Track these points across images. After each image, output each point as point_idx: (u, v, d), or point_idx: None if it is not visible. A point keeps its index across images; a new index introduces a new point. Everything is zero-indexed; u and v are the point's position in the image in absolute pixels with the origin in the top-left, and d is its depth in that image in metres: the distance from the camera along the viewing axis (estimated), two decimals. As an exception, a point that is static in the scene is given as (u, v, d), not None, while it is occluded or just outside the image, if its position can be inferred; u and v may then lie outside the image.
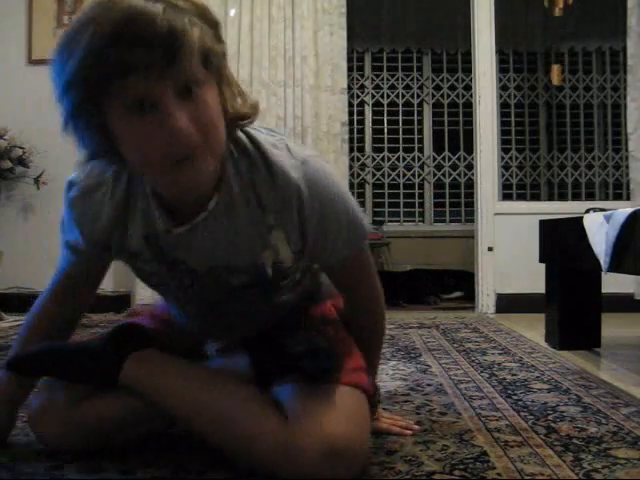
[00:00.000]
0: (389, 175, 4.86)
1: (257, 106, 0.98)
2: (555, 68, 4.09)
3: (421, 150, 4.89)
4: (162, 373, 1.10)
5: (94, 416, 1.11)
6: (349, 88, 4.14)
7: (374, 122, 4.90)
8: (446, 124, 4.88)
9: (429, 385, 1.72)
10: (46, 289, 1.23)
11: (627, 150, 3.92)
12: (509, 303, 3.61)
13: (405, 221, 4.89)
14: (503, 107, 4.61)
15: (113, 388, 1.11)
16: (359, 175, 4.84)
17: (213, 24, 0.89)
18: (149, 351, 1.12)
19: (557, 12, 3.87)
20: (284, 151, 1.01)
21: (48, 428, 1.13)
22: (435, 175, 4.87)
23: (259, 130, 1.04)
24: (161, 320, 1.28)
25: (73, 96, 0.88)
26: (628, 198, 4.20)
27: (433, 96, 4.90)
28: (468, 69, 4.21)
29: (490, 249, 3.68)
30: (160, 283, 1.15)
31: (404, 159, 4.87)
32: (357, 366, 1.11)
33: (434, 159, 4.87)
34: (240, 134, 1.01)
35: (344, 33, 3.76)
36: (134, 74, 0.82)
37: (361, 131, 4.89)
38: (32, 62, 3.67)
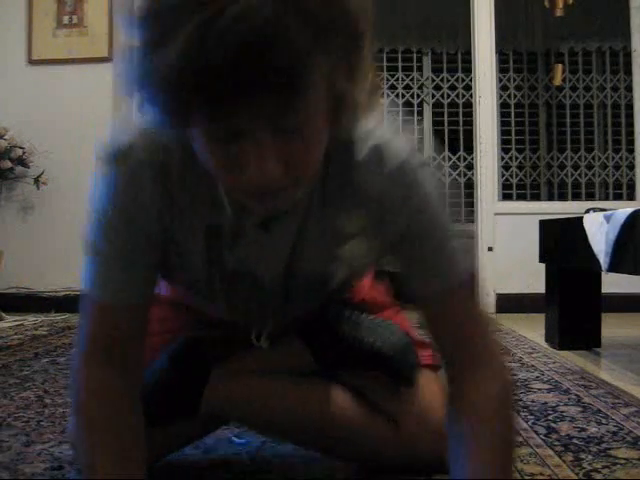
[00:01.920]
0: (389, 175, 4.85)
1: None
2: (558, 68, 4.09)
3: (421, 150, 4.87)
4: (246, 395, 1.03)
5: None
6: (349, 88, 4.13)
7: (374, 122, 4.89)
8: (446, 124, 4.88)
9: (429, 385, 1.72)
10: (77, 360, 0.84)
11: (629, 150, 3.93)
12: (509, 303, 3.61)
13: (405, 221, 4.88)
14: (503, 107, 4.61)
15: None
16: (359, 175, 4.83)
17: (354, 37, 0.64)
18: (220, 373, 1.03)
19: (557, 12, 3.88)
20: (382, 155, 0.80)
21: None
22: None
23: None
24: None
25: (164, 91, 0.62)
26: (628, 198, 4.21)
27: (433, 96, 4.89)
28: (468, 69, 4.21)
29: (490, 249, 3.68)
30: (198, 289, 0.94)
31: (404, 159, 4.86)
32: (419, 339, 1.10)
33: (434, 159, 4.87)
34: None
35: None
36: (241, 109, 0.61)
37: (361, 131, 4.88)
38: (32, 62, 3.66)
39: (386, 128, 0.83)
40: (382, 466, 1.04)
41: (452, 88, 4.87)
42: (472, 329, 0.84)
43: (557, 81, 4.12)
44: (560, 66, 4.10)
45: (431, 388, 1.05)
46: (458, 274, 0.85)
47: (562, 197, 4.66)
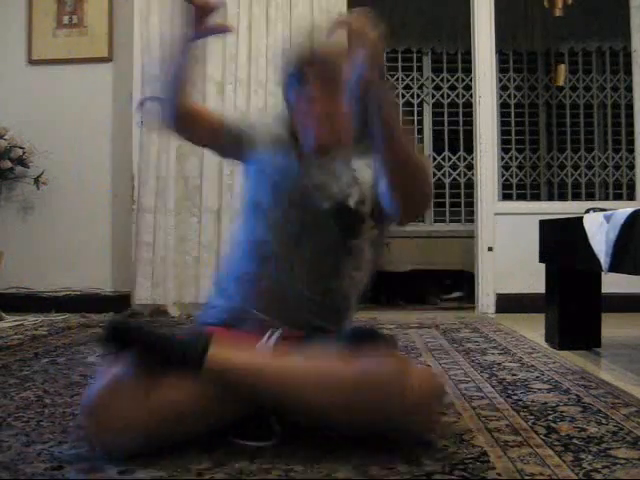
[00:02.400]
0: (389, 175, 4.84)
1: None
2: (561, 68, 4.08)
3: (421, 150, 4.88)
4: (247, 353, 1.22)
5: (170, 401, 1.14)
6: (349, 88, 4.13)
7: (374, 122, 4.88)
8: (446, 124, 4.88)
9: (429, 385, 1.72)
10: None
11: (629, 150, 3.93)
12: (509, 303, 3.61)
13: (405, 221, 4.87)
14: (503, 107, 4.61)
15: (195, 373, 1.15)
16: (359, 175, 4.83)
17: None
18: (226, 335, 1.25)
19: (557, 12, 3.88)
20: None
21: (116, 412, 1.11)
22: (435, 175, 4.87)
23: None
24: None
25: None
26: (628, 198, 4.20)
27: (433, 96, 4.90)
28: (468, 69, 4.21)
29: (490, 249, 3.67)
30: (271, 195, 1.40)
31: (404, 159, 4.85)
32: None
33: (434, 159, 4.87)
34: None
35: (343, 33, 3.75)
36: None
37: (361, 131, 4.88)
38: (32, 62, 3.66)
39: None
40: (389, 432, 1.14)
41: (452, 88, 4.87)
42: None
43: (560, 81, 4.11)
44: (563, 66, 4.10)
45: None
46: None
47: (562, 197, 4.66)
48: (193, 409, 1.15)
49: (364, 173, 1.37)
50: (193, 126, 1.46)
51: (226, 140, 1.47)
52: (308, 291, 1.35)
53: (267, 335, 1.29)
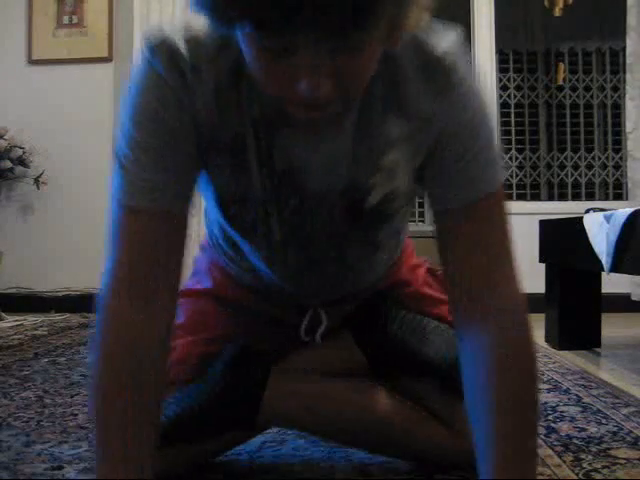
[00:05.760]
0: (389, 175, 4.85)
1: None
2: (560, 67, 4.08)
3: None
4: (306, 403, 1.01)
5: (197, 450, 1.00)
6: (349, 88, 4.13)
7: (374, 122, 4.89)
8: (446, 124, 4.88)
9: (429, 385, 1.72)
10: (102, 295, 0.78)
11: (627, 149, 3.92)
12: (509, 303, 3.60)
13: (405, 221, 4.88)
14: (503, 107, 4.61)
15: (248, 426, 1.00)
16: (359, 175, 4.84)
17: None
18: (277, 380, 1.00)
19: (557, 12, 3.88)
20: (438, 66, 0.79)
21: None
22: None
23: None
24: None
25: None
26: (628, 198, 4.20)
27: (433, 96, 4.90)
28: (468, 69, 4.21)
29: (490, 249, 3.67)
30: (251, 211, 0.86)
31: (404, 159, 4.86)
32: None
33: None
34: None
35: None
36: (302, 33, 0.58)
37: (361, 131, 4.88)
38: (32, 62, 3.66)
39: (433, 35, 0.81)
40: (434, 463, 1.06)
41: (452, 88, 4.87)
42: (494, 258, 0.79)
43: (559, 80, 4.12)
44: (562, 65, 4.10)
45: None
46: (490, 184, 0.81)
47: (562, 197, 4.66)
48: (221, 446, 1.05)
49: (397, 155, 0.82)
50: None
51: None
52: (338, 285, 1.01)
53: (306, 320, 1.04)
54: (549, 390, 1.65)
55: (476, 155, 0.78)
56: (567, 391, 1.64)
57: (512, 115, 4.73)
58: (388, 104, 0.79)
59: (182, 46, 0.74)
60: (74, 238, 3.58)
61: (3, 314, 3.16)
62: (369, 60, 0.65)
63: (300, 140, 0.80)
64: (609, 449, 1.17)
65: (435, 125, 0.78)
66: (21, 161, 3.42)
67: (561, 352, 2.26)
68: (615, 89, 4.68)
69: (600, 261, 1.89)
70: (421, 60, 0.77)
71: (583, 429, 1.30)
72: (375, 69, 0.68)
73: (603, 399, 1.55)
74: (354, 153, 0.81)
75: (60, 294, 3.57)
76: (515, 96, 4.74)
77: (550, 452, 1.16)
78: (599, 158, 4.66)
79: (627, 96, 3.76)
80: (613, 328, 2.63)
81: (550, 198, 4.71)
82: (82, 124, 3.60)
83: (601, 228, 1.89)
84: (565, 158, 4.70)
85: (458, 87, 0.78)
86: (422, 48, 0.78)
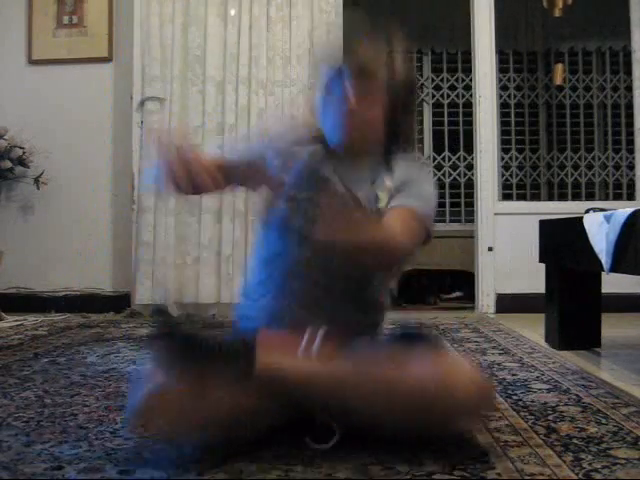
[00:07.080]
0: (389, 175, 4.84)
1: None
2: (558, 67, 4.08)
3: (421, 150, 4.88)
4: (296, 359, 1.18)
5: (226, 406, 1.13)
6: (349, 88, 4.12)
7: (374, 122, 4.88)
8: (446, 124, 4.88)
9: (429, 385, 1.72)
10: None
11: (629, 150, 3.92)
12: (509, 303, 3.61)
13: (405, 221, 4.87)
14: (503, 107, 4.61)
15: (247, 379, 1.14)
16: (359, 175, 4.83)
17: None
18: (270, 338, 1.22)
19: (557, 12, 3.88)
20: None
21: (165, 415, 1.13)
22: (435, 175, 4.87)
23: None
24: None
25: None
26: (628, 198, 4.20)
27: (433, 96, 4.90)
28: (468, 69, 4.21)
29: (490, 249, 3.67)
30: (292, 209, 1.33)
31: (404, 159, 4.85)
32: None
33: (434, 159, 4.87)
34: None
35: (341, 33, 3.75)
36: None
37: (361, 131, 4.87)
38: (32, 62, 3.66)
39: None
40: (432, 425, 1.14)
41: (452, 88, 4.87)
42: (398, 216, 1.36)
43: (558, 81, 4.12)
44: (561, 66, 4.10)
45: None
46: (413, 205, 1.38)
47: (562, 197, 4.66)
48: (248, 409, 1.15)
49: (383, 188, 1.37)
50: (201, 191, 1.31)
51: (239, 175, 1.42)
52: (343, 284, 1.33)
53: (308, 334, 1.23)
54: (549, 390, 1.66)
55: (416, 197, 1.40)
56: (567, 391, 1.64)
57: (512, 115, 4.74)
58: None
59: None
60: (74, 238, 3.58)
61: (3, 314, 3.16)
62: (373, 114, 1.40)
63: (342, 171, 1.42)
64: (609, 449, 1.17)
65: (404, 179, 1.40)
66: (21, 161, 3.43)
67: (561, 352, 2.27)
68: (615, 89, 4.68)
69: (600, 261, 1.89)
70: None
71: (583, 429, 1.30)
72: (378, 131, 1.40)
73: (603, 399, 1.55)
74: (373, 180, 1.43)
75: (60, 294, 3.57)
76: (515, 96, 4.75)
77: (550, 452, 1.16)
78: (599, 158, 4.66)
79: (636, 92, 3.74)
80: (613, 328, 2.64)
81: (550, 198, 4.72)
82: (82, 124, 3.60)
83: (601, 228, 1.89)
84: (565, 158, 4.70)
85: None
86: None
